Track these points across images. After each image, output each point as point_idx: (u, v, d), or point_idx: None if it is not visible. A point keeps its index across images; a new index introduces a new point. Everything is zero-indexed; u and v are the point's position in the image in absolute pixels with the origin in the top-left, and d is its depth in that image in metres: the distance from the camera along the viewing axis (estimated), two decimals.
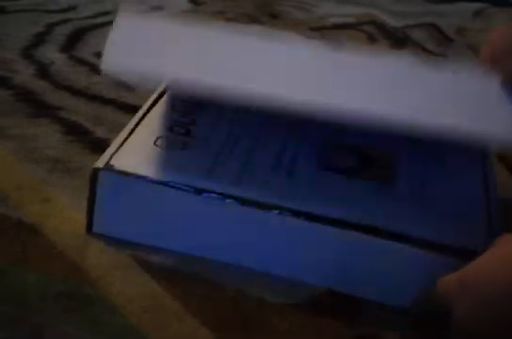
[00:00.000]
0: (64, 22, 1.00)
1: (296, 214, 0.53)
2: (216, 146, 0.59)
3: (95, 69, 0.86)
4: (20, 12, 1.02)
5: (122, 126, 0.60)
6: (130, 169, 0.54)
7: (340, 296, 0.54)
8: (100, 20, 1.03)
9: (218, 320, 0.50)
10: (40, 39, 0.93)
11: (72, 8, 1.06)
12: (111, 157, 0.55)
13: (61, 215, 0.58)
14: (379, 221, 0.53)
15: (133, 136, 0.59)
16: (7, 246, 0.54)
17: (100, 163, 0.54)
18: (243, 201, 0.53)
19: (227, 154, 0.58)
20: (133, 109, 0.63)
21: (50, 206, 0.59)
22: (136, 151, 0.57)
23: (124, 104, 0.78)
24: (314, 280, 0.54)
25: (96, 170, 0.54)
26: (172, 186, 0.54)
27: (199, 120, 0.62)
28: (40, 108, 0.76)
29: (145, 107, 0.63)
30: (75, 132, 0.72)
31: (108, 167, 0.54)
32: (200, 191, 0.53)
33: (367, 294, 0.54)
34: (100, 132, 0.72)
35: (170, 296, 0.51)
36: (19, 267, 0.52)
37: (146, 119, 0.62)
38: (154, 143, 0.58)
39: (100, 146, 0.56)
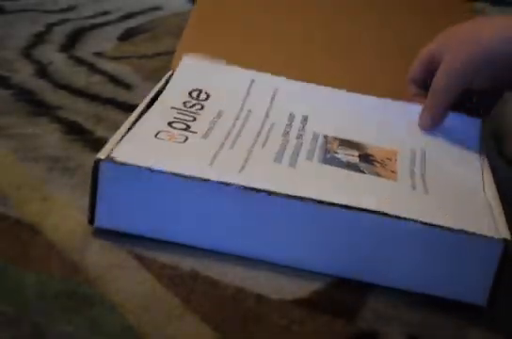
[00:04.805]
0: (64, 22, 1.00)
1: (301, 199, 0.53)
2: (218, 140, 0.59)
3: (94, 68, 0.86)
4: (19, 12, 1.02)
5: (121, 125, 0.60)
6: (132, 161, 0.54)
7: (340, 292, 0.54)
8: (99, 20, 1.03)
9: (218, 317, 0.50)
10: (39, 38, 0.93)
11: (71, 8, 1.06)
12: (112, 150, 0.55)
13: (60, 213, 0.58)
14: (385, 207, 0.53)
15: (133, 129, 0.59)
16: (6, 245, 0.54)
17: (102, 155, 0.54)
18: (246, 188, 0.53)
19: (229, 147, 0.58)
20: (132, 108, 0.63)
21: (49, 205, 0.59)
22: (138, 143, 0.57)
23: (123, 103, 0.78)
24: (322, 267, 0.55)
25: (98, 162, 0.54)
26: (175, 175, 0.54)
27: (199, 117, 0.62)
28: (39, 108, 0.75)
29: (143, 105, 0.63)
30: (75, 131, 0.71)
31: (110, 158, 0.54)
32: (203, 179, 0.53)
33: (374, 278, 0.54)
34: (99, 131, 0.72)
35: (170, 293, 0.51)
36: (18, 267, 0.52)
37: (146, 114, 0.62)
38: (156, 136, 0.58)
39: (99, 145, 0.57)
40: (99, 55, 0.90)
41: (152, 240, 0.56)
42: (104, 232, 0.56)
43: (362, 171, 0.58)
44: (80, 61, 0.88)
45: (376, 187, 0.56)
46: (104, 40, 0.94)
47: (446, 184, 0.59)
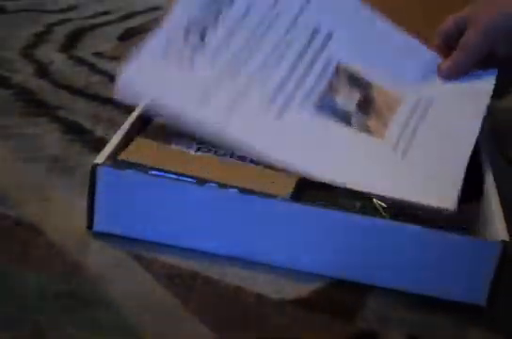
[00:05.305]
0: (64, 22, 1.00)
1: (300, 202, 0.53)
2: (223, 68, 0.59)
3: (94, 68, 0.86)
4: (20, 12, 1.02)
5: (121, 125, 0.60)
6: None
7: (340, 292, 0.54)
8: (99, 20, 1.03)
9: (218, 318, 0.50)
10: (39, 38, 0.93)
11: (71, 8, 1.06)
12: (112, 150, 0.55)
13: (61, 213, 0.58)
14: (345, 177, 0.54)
15: (147, 44, 0.58)
16: (6, 245, 0.54)
17: (99, 159, 0.54)
18: (244, 191, 0.54)
19: (229, 78, 0.58)
20: (132, 108, 0.63)
21: (49, 205, 0.59)
22: (145, 66, 0.58)
23: (123, 103, 0.78)
24: (320, 269, 0.54)
25: (95, 166, 0.54)
26: (172, 178, 0.54)
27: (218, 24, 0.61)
28: (39, 108, 0.75)
29: (143, 105, 0.63)
30: (74, 131, 0.71)
31: (107, 163, 0.54)
32: (201, 182, 0.54)
33: (373, 280, 0.54)
34: (99, 131, 0.72)
35: (170, 293, 0.51)
36: (19, 267, 0.52)
37: (162, 25, 0.60)
38: (164, 57, 0.58)
39: (99, 145, 0.57)
40: (99, 55, 0.90)
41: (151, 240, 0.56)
42: (104, 232, 0.56)
43: (353, 125, 0.59)
44: (80, 61, 0.88)
45: (357, 147, 0.57)
46: (104, 40, 0.95)
47: (433, 144, 0.59)
